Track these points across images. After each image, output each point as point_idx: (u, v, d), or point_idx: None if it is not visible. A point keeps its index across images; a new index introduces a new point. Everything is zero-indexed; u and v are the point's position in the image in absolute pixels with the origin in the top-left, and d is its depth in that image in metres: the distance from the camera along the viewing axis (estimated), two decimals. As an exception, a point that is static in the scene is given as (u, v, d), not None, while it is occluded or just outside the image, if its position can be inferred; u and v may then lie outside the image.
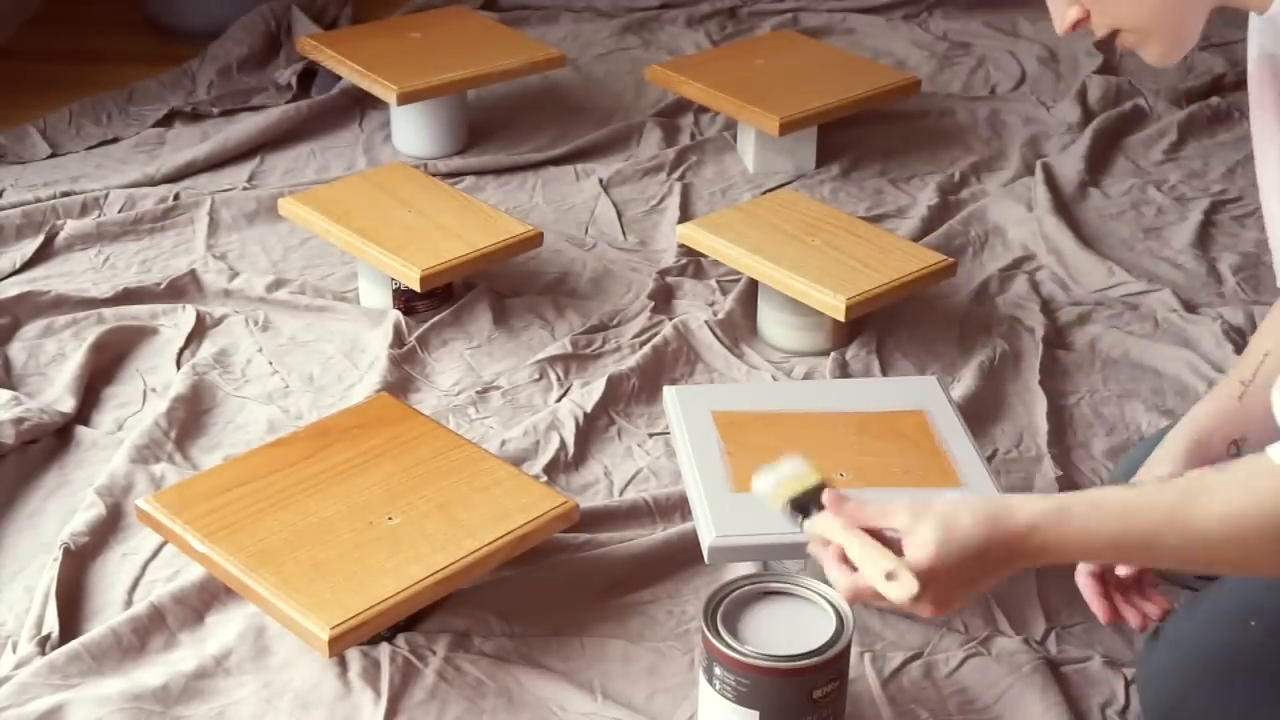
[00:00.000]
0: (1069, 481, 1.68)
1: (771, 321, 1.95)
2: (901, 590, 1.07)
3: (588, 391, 1.82)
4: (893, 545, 1.10)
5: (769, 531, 1.40)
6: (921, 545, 1.07)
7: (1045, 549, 1.07)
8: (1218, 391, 1.36)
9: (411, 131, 2.44)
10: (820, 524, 1.14)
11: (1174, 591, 1.52)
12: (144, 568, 1.55)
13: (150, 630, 1.45)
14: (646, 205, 2.31)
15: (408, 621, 1.44)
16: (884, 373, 1.89)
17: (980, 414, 1.76)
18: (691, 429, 1.55)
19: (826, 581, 1.32)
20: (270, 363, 1.89)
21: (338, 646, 1.31)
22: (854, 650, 1.41)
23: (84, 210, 2.22)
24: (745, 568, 1.52)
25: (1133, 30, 1.18)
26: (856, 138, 2.50)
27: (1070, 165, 2.41)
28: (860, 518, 1.12)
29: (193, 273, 2.05)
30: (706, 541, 1.41)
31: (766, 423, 1.57)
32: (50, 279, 2.06)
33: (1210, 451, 1.33)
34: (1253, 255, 2.17)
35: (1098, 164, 2.44)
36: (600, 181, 2.36)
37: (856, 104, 2.38)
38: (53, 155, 2.43)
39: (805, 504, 1.18)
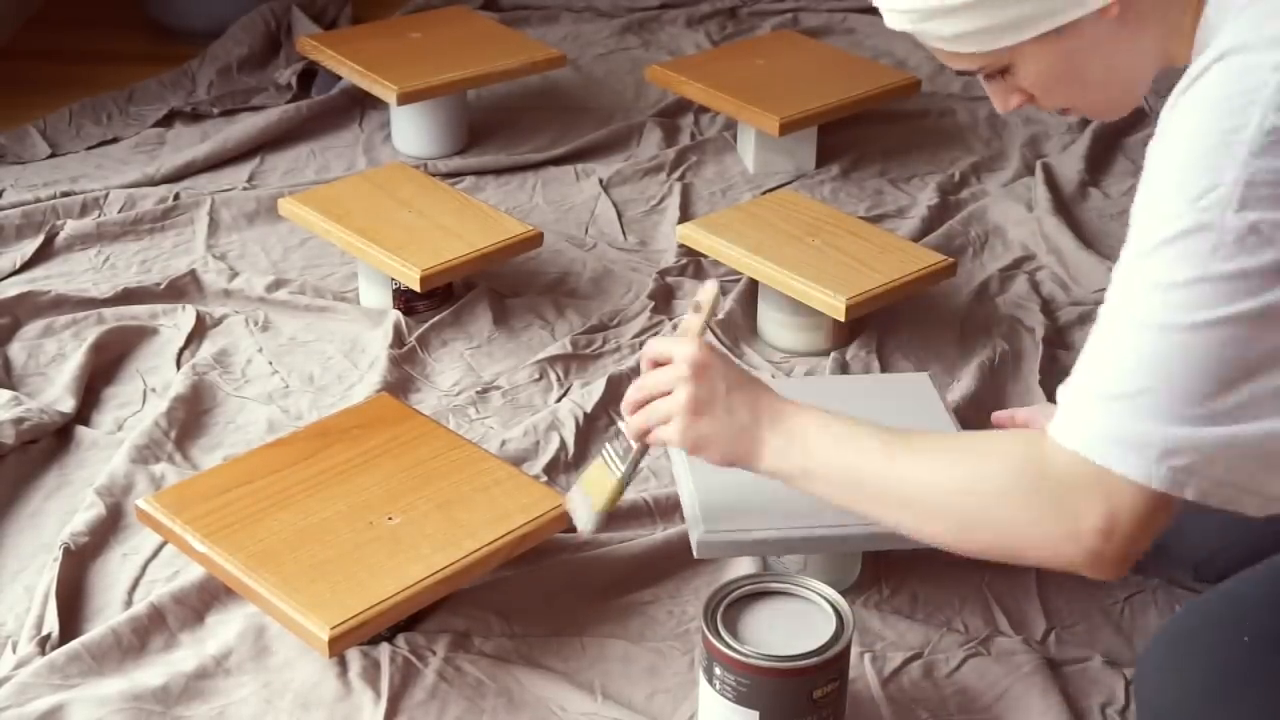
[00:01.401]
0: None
1: (771, 321, 1.95)
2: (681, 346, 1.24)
3: (588, 391, 1.82)
4: None
5: (759, 528, 1.40)
6: (686, 345, 1.25)
7: (776, 427, 1.21)
8: None
9: (411, 131, 2.44)
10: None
11: (1173, 595, 1.53)
12: (144, 568, 1.55)
13: (150, 630, 1.45)
14: (646, 205, 2.32)
15: (408, 621, 1.44)
16: (884, 373, 1.89)
17: (981, 414, 1.75)
18: None
19: (827, 581, 1.33)
20: (270, 363, 1.89)
21: (338, 646, 1.31)
22: (854, 650, 1.41)
23: (84, 210, 2.22)
24: (745, 567, 1.52)
25: (1080, 109, 1.21)
26: (856, 138, 2.50)
27: (1070, 165, 2.41)
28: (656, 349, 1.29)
29: (193, 273, 2.05)
30: (695, 537, 1.41)
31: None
32: (50, 279, 2.06)
33: None
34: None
35: (1098, 164, 2.44)
36: (600, 181, 2.36)
37: (856, 104, 2.38)
38: (53, 155, 2.43)
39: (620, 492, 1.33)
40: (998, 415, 1.60)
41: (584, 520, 1.35)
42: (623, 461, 1.32)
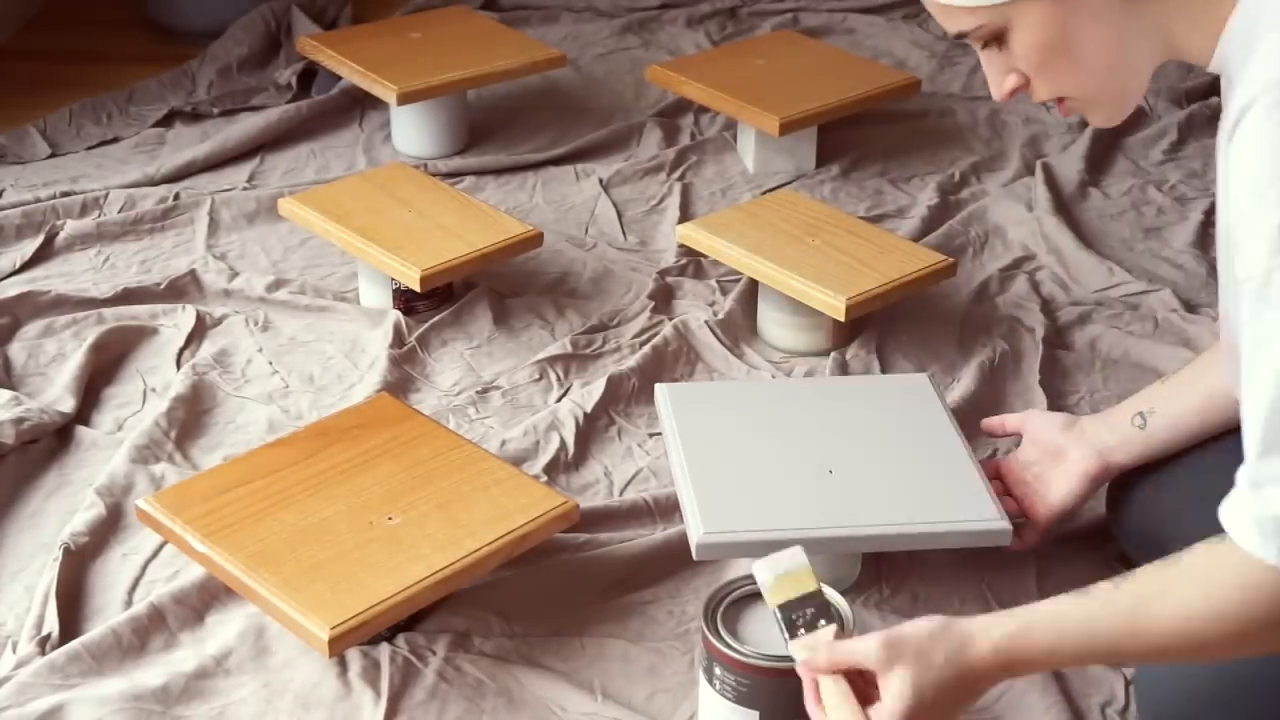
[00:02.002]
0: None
1: (771, 321, 1.95)
2: None
3: (588, 391, 1.82)
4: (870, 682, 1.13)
5: (758, 528, 1.40)
6: (898, 695, 1.10)
7: (1011, 669, 1.11)
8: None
9: (411, 131, 2.44)
10: (805, 650, 1.17)
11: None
12: (144, 568, 1.55)
13: (150, 630, 1.45)
14: (646, 205, 2.32)
15: (408, 621, 1.44)
16: (884, 373, 1.89)
17: (980, 414, 1.75)
18: (682, 426, 1.55)
19: (827, 581, 1.33)
20: (270, 363, 1.89)
21: (338, 646, 1.31)
22: (854, 650, 1.41)
23: (84, 210, 2.22)
24: (745, 567, 1.52)
25: (1076, 97, 1.17)
26: (856, 138, 2.50)
27: (1070, 165, 2.41)
28: (836, 659, 1.14)
29: (193, 273, 2.05)
30: (694, 538, 1.41)
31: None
32: (50, 279, 2.06)
33: (1109, 420, 1.48)
34: (1253, 255, 2.16)
35: (1098, 164, 2.44)
36: (600, 181, 2.36)
37: (856, 104, 2.38)
38: (53, 155, 2.43)
39: (795, 612, 1.20)
40: (988, 422, 1.61)
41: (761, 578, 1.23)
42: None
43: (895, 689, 1.10)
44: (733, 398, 1.63)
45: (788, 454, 1.51)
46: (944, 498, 1.45)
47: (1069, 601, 1.10)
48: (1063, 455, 1.50)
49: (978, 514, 1.43)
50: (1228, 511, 1.03)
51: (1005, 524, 1.42)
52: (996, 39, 1.15)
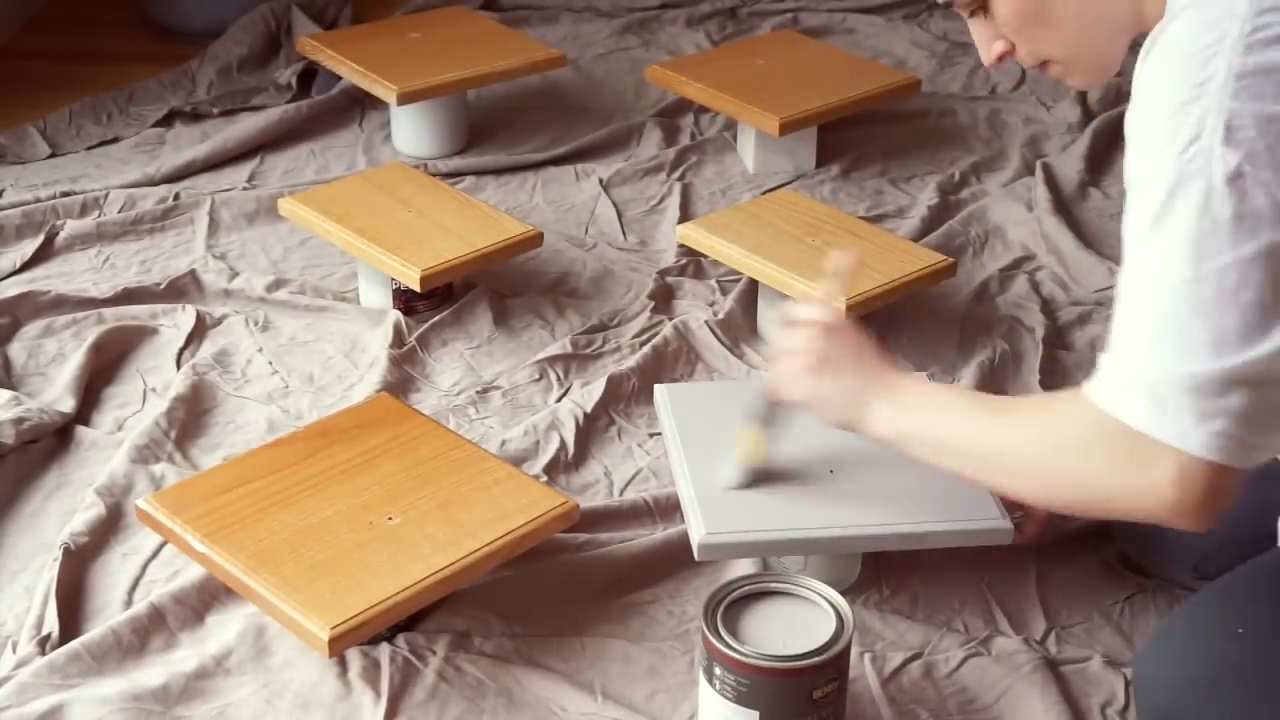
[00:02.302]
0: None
1: (772, 321, 1.95)
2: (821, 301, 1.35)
3: (588, 391, 1.82)
4: None
5: (759, 529, 1.40)
6: (822, 305, 1.35)
7: (896, 386, 1.29)
8: None
9: (411, 131, 2.44)
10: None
11: (1173, 595, 1.53)
12: (144, 568, 1.55)
13: (150, 630, 1.45)
14: (646, 205, 2.32)
15: (408, 621, 1.44)
16: (884, 373, 1.89)
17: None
18: (681, 426, 1.55)
19: (827, 581, 1.33)
20: (270, 363, 1.89)
21: (338, 646, 1.31)
22: (854, 650, 1.41)
23: (84, 210, 2.22)
24: (744, 567, 1.52)
25: (1058, 60, 1.24)
26: (856, 138, 2.50)
27: (1070, 165, 2.41)
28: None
29: (193, 273, 2.05)
30: (696, 538, 1.41)
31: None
32: (50, 279, 2.06)
33: None
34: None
35: (1098, 164, 2.44)
36: (600, 181, 2.36)
37: (856, 104, 2.38)
38: (53, 155, 2.43)
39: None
40: None
41: (739, 477, 1.45)
42: (760, 419, 1.43)
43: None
44: (733, 398, 1.63)
45: (788, 453, 1.51)
46: (945, 497, 1.44)
47: (956, 389, 1.34)
48: None
49: (979, 513, 1.43)
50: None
51: (1006, 523, 1.42)
52: (981, 7, 1.22)
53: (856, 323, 1.36)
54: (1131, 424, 1.07)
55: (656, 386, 1.63)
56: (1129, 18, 1.18)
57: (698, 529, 1.41)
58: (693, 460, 1.50)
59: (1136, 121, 1.07)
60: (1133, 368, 1.07)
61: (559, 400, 1.83)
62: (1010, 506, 1.48)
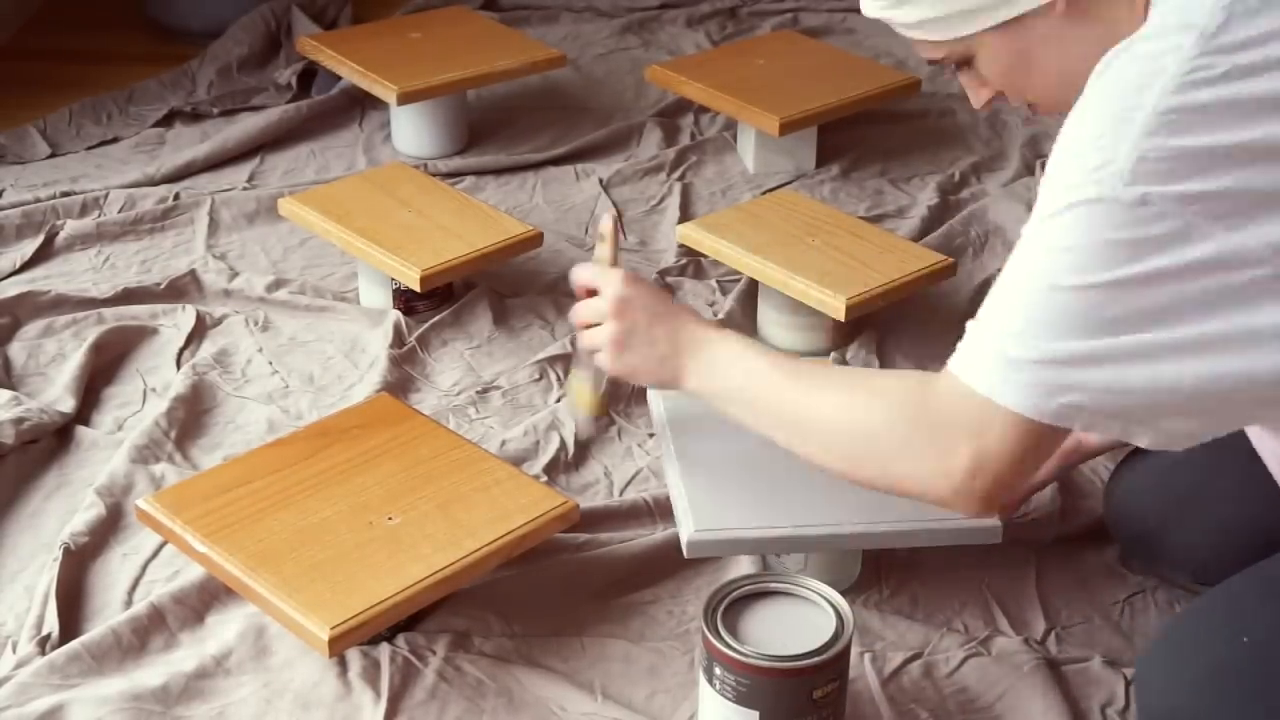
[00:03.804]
0: (1067, 481, 1.67)
1: (771, 321, 1.95)
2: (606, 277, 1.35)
3: (588, 391, 1.82)
4: None
5: (747, 526, 1.41)
6: (610, 280, 1.35)
7: (704, 344, 1.31)
8: None
9: (411, 131, 2.44)
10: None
11: (1173, 595, 1.53)
12: (144, 568, 1.55)
13: (150, 630, 1.45)
14: (646, 205, 2.32)
15: (408, 621, 1.44)
16: (884, 373, 1.89)
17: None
18: (674, 425, 1.54)
19: (827, 581, 1.33)
20: (270, 363, 1.89)
21: (338, 646, 1.31)
22: (854, 650, 1.41)
23: (84, 210, 2.22)
24: (745, 567, 1.52)
25: (1044, 104, 1.26)
26: (856, 138, 2.50)
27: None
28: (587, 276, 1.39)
29: (193, 273, 2.05)
30: (685, 536, 1.41)
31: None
32: (50, 279, 2.06)
33: None
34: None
35: (1098, 164, 2.44)
36: (600, 181, 2.36)
37: (856, 104, 2.38)
38: (53, 155, 2.43)
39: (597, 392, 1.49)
40: None
41: (582, 427, 1.63)
42: (593, 376, 1.46)
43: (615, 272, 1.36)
44: None
45: (781, 452, 1.50)
46: None
47: (771, 350, 1.32)
48: None
49: None
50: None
51: (995, 522, 1.42)
52: (966, 62, 1.25)
53: (640, 280, 1.37)
54: (975, 387, 1.09)
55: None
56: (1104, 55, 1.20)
57: (686, 526, 1.41)
58: (685, 459, 1.50)
59: (1067, 128, 1.09)
60: (992, 338, 1.09)
61: (559, 400, 1.83)
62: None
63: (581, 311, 1.38)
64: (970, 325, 1.13)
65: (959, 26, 1.20)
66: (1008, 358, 1.07)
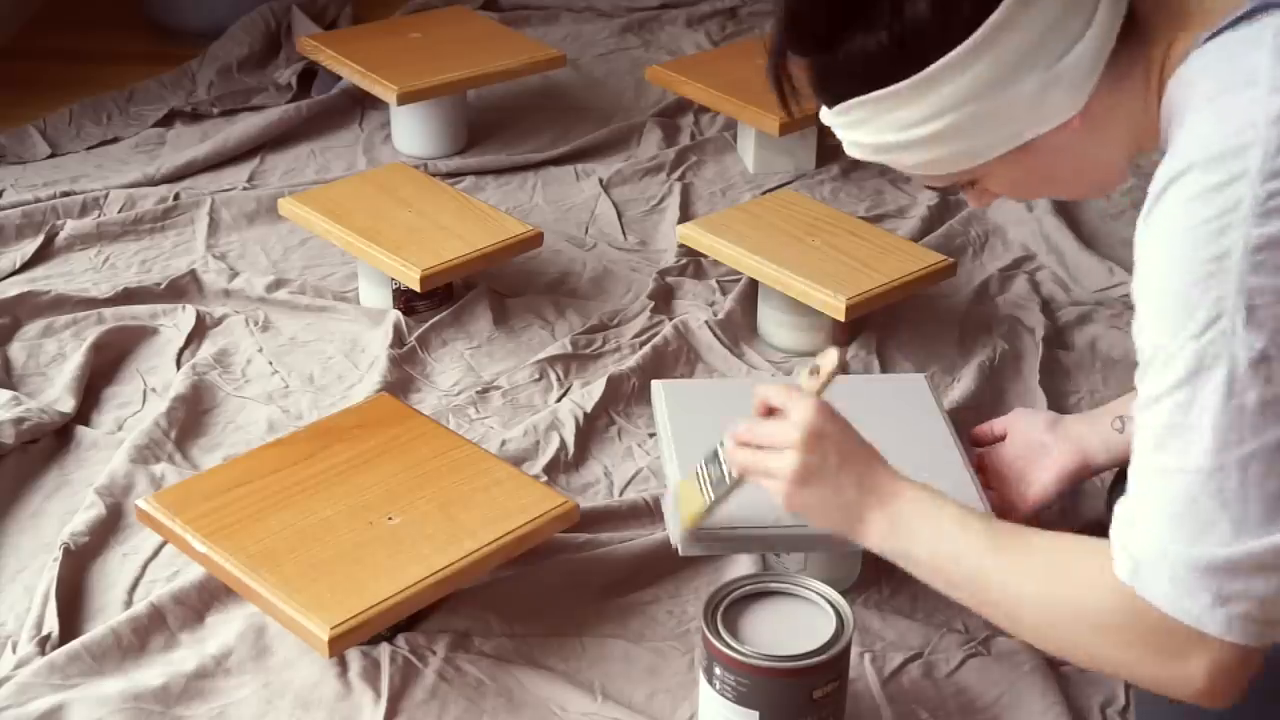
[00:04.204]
0: (1069, 481, 1.67)
1: (771, 321, 1.95)
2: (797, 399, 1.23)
3: (588, 391, 1.82)
4: None
5: (740, 524, 1.40)
6: (803, 407, 1.23)
7: (891, 498, 1.19)
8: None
9: (411, 131, 2.44)
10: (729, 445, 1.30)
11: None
12: (144, 568, 1.55)
13: (150, 630, 1.45)
14: (646, 205, 2.32)
15: (408, 621, 1.44)
16: (884, 373, 1.89)
17: (980, 414, 1.75)
18: (675, 422, 1.54)
19: (827, 581, 1.33)
20: (270, 363, 1.89)
21: (338, 646, 1.31)
22: (854, 650, 1.41)
23: (84, 210, 2.22)
24: (745, 567, 1.52)
25: (1057, 197, 1.21)
26: (856, 138, 2.50)
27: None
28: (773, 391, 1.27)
29: (193, 273, 2.05)
30: (677, 534, 1.40)
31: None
32: (50, 279, 2.06)
33: (1092, 420, 1.51)
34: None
35: (1098, 164, 2.44)
36: (600, 181, 2.36)
37: (856, 104, 2.38)
38: (53, 155, 2.43)
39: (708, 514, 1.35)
40: (977, 431, 1.62)
41: (675, 535, 1.40)
42: (714, 487, 1.33)
43: (805, 398, 1.25)
44: (731, 396, 1.63)
45: None
46: None
47: (963, 507, 1.17)
48: (1045, 452, 1.52)
49: None
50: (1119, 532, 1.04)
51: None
52: (970, 183, 1.19)
53: (836, 415, 1.24)
54: (1151, 601, 1.00)
55: (654, 382, 1.63)
56: (1125, 151, 1.14)
57: (678, 524, 1.40)
58: (683, 457, 1.49)
59: (1146, 291, 1.00)
60: (1151, 544, 1.00)
61: (559, 400, 1.83)
62: (993, 502, 1.48)
63: (758, 431, 1.25)
64: (1125, 513, 1.03)
65: (965, 162, 1.13)
66: (1193, 576, 0.98)
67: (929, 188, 1.19)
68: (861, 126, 1.15)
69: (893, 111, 1.11)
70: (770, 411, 1.26)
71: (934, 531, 1.16)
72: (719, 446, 1.33)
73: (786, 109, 1.18)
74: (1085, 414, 1.55)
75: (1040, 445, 1.53)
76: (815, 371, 1.28)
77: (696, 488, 1.35)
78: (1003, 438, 1.58)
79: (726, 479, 1.31)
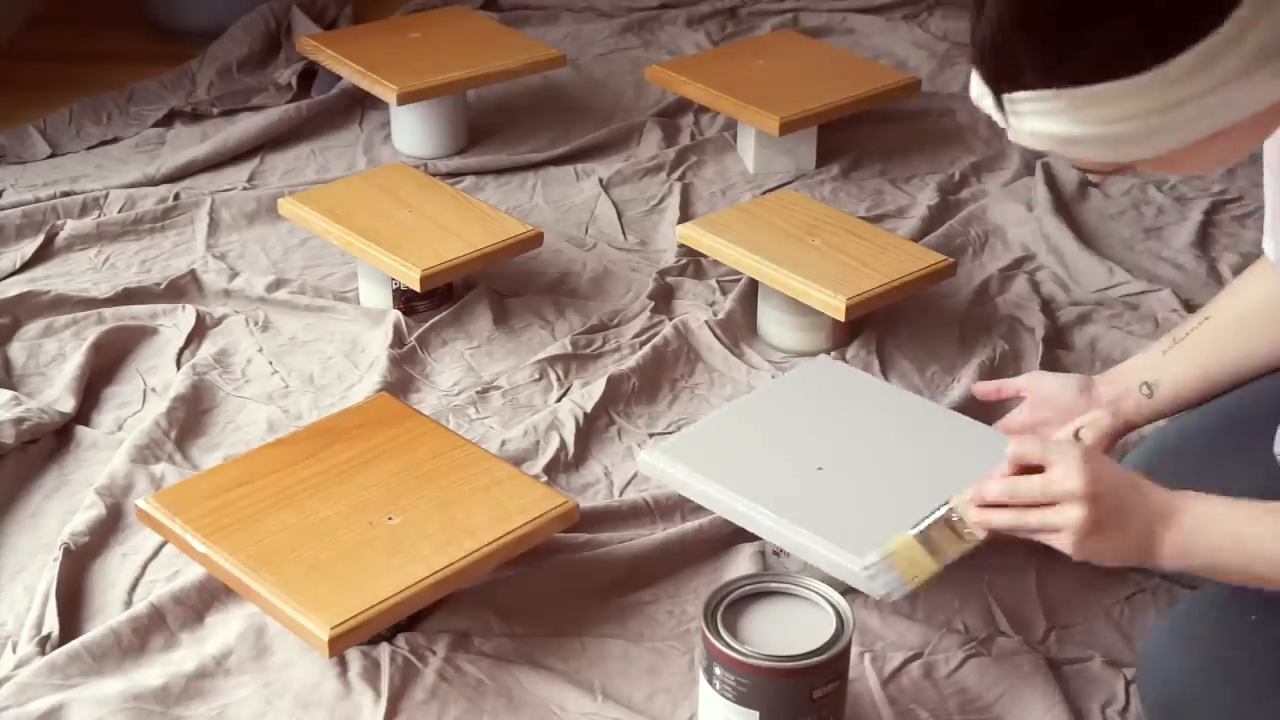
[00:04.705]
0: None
1: (771, 321, 1.95)
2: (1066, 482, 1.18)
3: (588, 391, 1.82)
4: None
5: (700, 475, 1.46)
6: (1072, 457, 1.20)
7: (1174, 513, 1.18)
8: (1151, 345, 1.54)
9: (411, 131, 2.44)
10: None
11: (1173, 594, 1.53)
12: (144, 568, 1.55)
13: (150, 630, 1.45)
14: (646, 205, 2.32)
15: (408, 621, 1.44)
16: (884, 373, 1.89)
17: (980, 414, 1.75)
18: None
19: (826, 581, 1.33)
20: (270, 363, 1.89)
21: (338, 646, 1.31)
22: (854, 650, 1.41)
23: (84, 210, 2.22)
24: (745, 567, 1.52)
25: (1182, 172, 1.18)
26: (856, 138, 2.50)
27: (1070, 165, 2.41)
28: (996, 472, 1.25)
29: (193, 273, 2.05)
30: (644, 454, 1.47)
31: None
32: (50, 279, 2.06)
33: (1120, 384, 1.51)
34: (1253, 255, 2.16)
35: (1098, 164, 2.44)
36: (600, 181, 2.36)
37: (856, 104, 2.38)
38: (53, 155, 2.43)
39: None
40: (981, 387, 1.62)
41: (883, 587, 1.33)
42: (947, 549, 1.32)
43: (1068, 455, 1.21)
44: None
45: (787, 436, 1.52)
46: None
47: (1242, 504, 1.16)
48: (1079, 414, 1.52)
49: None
50: None
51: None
52: (1117, 170, 1.13)
53: (1097, 453, 1.22)
54: None
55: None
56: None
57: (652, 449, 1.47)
58: (724, 415, 1.56)
59: None
60: None
61: (559, 400, 1.83)
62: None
63: (1025, 488, 1.22)
64: None
65: (1159, 150, 1.05)
66: None
67: (1084, 171, 1.12)
68: (1055, 116, 1.04)
69: (1113, 104, 1.01)
70: (1027, 469, 1.23)
71: (1224, 532, 1.15)
72: (943, 507, 1.32)
73: (998, 97, 1.07)
74: (1111, 376, 1.54)
75: (1076, 410, 1.52)
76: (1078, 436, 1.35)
77: (919, 549, 1.32)
78: (1014, 397, 1.58)
79: (964, 539, 1.31)
